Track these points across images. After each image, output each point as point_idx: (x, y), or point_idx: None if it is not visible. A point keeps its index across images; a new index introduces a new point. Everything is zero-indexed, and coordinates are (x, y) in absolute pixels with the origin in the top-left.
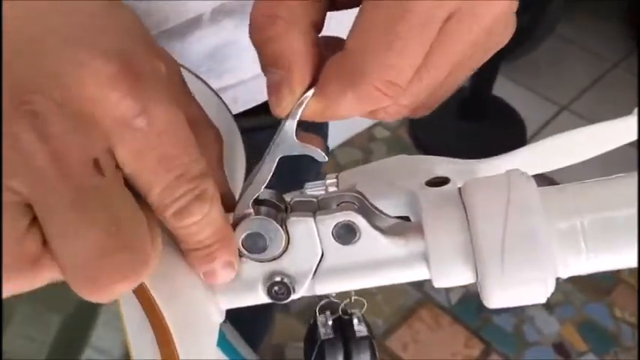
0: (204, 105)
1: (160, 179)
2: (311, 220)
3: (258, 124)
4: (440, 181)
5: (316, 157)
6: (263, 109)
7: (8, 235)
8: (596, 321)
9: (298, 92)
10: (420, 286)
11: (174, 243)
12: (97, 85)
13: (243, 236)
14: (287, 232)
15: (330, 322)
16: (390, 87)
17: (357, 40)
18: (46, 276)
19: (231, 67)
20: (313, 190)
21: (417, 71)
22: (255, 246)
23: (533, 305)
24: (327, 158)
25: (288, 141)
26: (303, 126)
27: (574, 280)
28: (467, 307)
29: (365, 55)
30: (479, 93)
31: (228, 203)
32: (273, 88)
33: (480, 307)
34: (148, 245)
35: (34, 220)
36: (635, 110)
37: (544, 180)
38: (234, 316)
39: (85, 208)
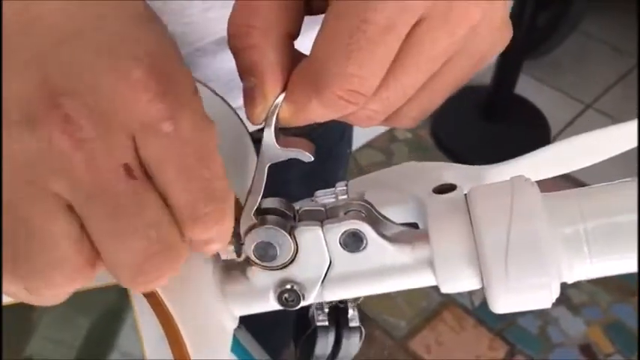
0: (216, 116)
1: (180, 188)
2: (319, 228)
3: (285, 134)
4: (447, 188)
5: (302, 159)
6: None
7: (67, 241)
8: (623, 322)
9: (270, 100)
10: None
11: None
12: (128, 88)
13: (253, 246)
14: (295, 241)
15: (326, 310)
16: (353, 95)
17: (320, 49)
18: (98, 273)
19: None
20: (323, 198)
21: (384, 78)
22: (265, 255)
23: (558, 306)
24: (312, 158)
25: (270, 149)
26: (336, 129)
27: (600, 281)
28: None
29: (327, 63)
30: (501, 92)
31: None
32: (247, 95)
33: None
34: (181, 242)
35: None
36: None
37: (569, 181)
38: (255, 323)
39: (122, 217)
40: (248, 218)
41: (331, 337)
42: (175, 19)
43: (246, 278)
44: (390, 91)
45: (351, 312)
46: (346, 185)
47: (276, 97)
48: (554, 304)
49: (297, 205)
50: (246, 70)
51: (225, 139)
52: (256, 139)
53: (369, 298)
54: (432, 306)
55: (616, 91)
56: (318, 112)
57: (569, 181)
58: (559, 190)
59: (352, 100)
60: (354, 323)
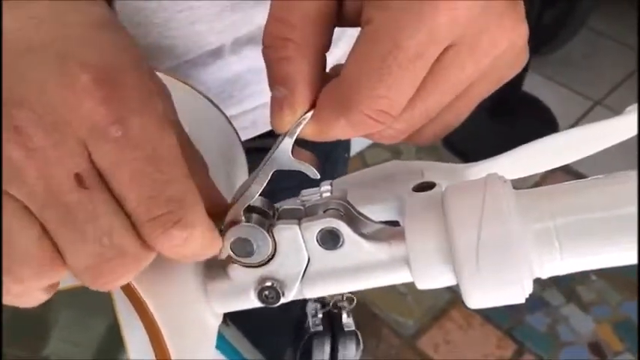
0: (210, 125)
1: (132, 193)
2: (296, 226)
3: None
4: (426, 186)
5: (308, 174)
6: None
7: (30, 238)
8: (633, 320)
9: (299, 113)
10: (451, 286)
11: None
12: (73, 93)
13: (230, 242)
14: (274, 239)
15: (320, 315)
16: (381, 115)
17: (351, 70)
18: (63, 272)
19: (251, 93)
20: (308, 197)
21: (411, 99)
22: (242, 251)
23: (567, 305)
24: (318, 175)
25: (283, 156)
26: None
27: (609, 279)
28: (498, 307)
29: (357, 84)
30: (509, 89)
31: (220, 212)
32: (276, 104)
33: (512, 306)
34: (139, 249)
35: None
36: (634, 107)
37: (570, 173)
38: (252, 327)
39: (74, 224)
40: (236, 214)
41: (327, 343)
42: (160, 31)
43: (227, 276)
44: (415, 111)
45: (345, 317)
46: (331, 185)
47: (305, 112)
48: (563, 302)
49: (277, 204)
50: (277, 81)
51: (218, 148)
52: (249, 148)
53: (376, 298)
54: (440, 304)
55: (624, 87)
56: (345, 131)
57: (570, 173)
58: (558, 183)
59: (380, 120)
60: (350, 328)
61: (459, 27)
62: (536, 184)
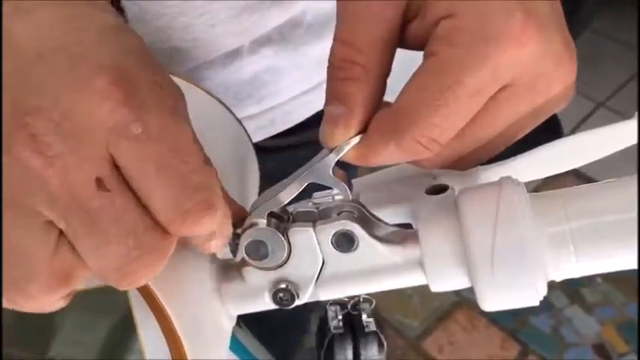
0: (221, 126)
1: (161, 187)
2: (311, 229)
3: (294, 142)
4: (439, 189)
5: (340, 192)
6: (298, 128)
7: (39, 256)
8: (637, 321)
9: (352, 132)
10: None
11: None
12: (92, 97)
13: (246, 243)
14: (289, 241)
15: (340, 316)
16: (431, 143)
17: (408, 98)
18: (82, 278)
19: (269, 92)
20: (320, 199)
21: (461, 130)
22: (256, 253)
23: (571, 306)
24: (350, 196)
25: (324, 171)
26: None
27: (614, 281)
28: None
29: (413, 112)
30: None
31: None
32: (331, 120)
33: (517, 308)
34: (162, 242)
35: (61, 233)
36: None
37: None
38: (264, 327)
39: (99, 229)
40: (259, 217)
41: (349, 346)
42: (181, 35)
43: (241, 278)
44: (464, 142)
45: (365, 317)
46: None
47: (357, 133)
48: (567, 304)
49: (291, 208)
50: (338, 98)
51: (230, 152)
52: (267, 147)
53: (381, 299)
54: (445, 306)
55: (628, 89)
56: (393, 155)
57: (580, 177)
58: (561, 187)
59: (429, 147)
60: (370, 329)
61: (519, 69)
62: (536, 190)
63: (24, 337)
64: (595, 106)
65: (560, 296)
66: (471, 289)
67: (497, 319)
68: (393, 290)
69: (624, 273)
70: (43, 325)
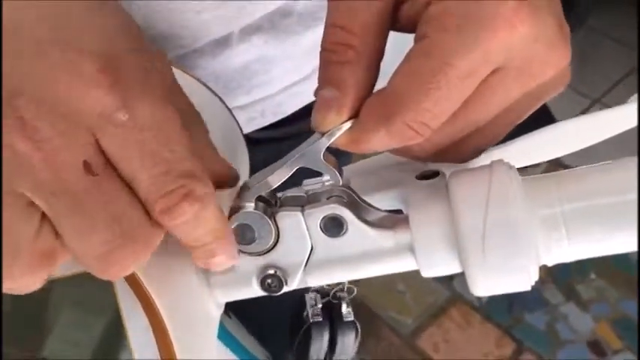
0: (212, 116)
1: (145, 174)
2: (299, 213)
3: (285, 134)
4: (430, 174)
5: (331, 178)
6: (289, 120)
7: (22, 236)
8: (632, 318)
9: (345, 117)
10: (450, 284)
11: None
12: (81, 83)
13: (232, 227)
14: (276, 226)
15: (319, 305)
16: (422, 127)
17: (399, 83)
18: (62, 262)
19: (260, 83)
20: (310, 186)
21: (453, 115)
22: (243, 237)
23: (566, 303)
24: (341, 182)
25: (315, 156)
26: None
27: (608, 277)
28: (497, 305)
29: (403, 97)
30: None
31: (225, 179)
32: (324, 104)
33: (512, 305)
34: (149, 231)
35: (44, 216)
36: (634, 97)
37: (560, 167)
38: (257, 327)
39: (84, 212)
40: (246, 200)
41: (326, 334)
42: (167, 22)
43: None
44: (456, 126)
45: (344, 307)
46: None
47: (349, 118)
48: (562, 301)
49: (280, 194)
50: (331, 82)
51: (220, 140)
52: (258, 139)
53: (374, 296)
54: (439, 303)
55: (623, 86)
56: (383, 141)
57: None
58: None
59: (419, 132)
60: (349, 318)
61: (510, 52)
62: None
63: (17, 335)
64: (590, 102)
65: (555, 293)
66: (465, 285)
67: (492, 315)
68: (385, 287)
69: (619, 268)
70: (37, 323)
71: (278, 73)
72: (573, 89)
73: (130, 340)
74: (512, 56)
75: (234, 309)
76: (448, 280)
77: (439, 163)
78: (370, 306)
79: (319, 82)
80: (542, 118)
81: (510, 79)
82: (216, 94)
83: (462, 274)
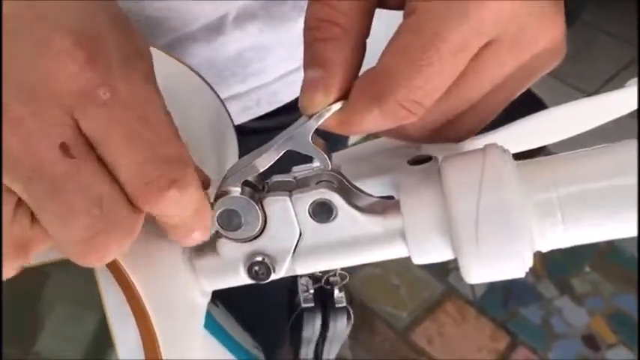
0: (202, 104)
1: (127, 159)
2: (287, 198)
3: (280, 123)
4: (422, 159)
5: (319, 161)
6: (284, 110)
7: None
8: (626, 312)
9: (332, 97)
10: (445, 278)
11: (152, 222)
12: (53, 58)
13: (218, 212)
14: (264, 212)
15: (311, 290)
16: (414, 106)
17: (389, 60)
18: (36, 251)
19: (254, 71)
20: (299, 172)
21: (447, 91)
22: (229, 223)
23: (561, 297)
24: (330, 165)
25: (303, 138)
26: None
27: (603, 271)
28: (492, 299)
29: (395, 74)
30: None
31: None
32: (310, 85)
33: (506, 299)
34: (131, 216)
35: (20, 203)
36: (633, 80)
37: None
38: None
39: (63, 197)
40: (233, 184)
41: (318, 319)
42: (157, 6)
43: (215, 252)
44: (450, 103)
45: (337, 293)
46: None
47: (337, 99)
48: (557, 295)
49: (268, 179)
50: (316, 62)
51: (209, 127)
52: (253, 128)
53: (368, 290)
54: (434, 297)
55: (618, 81)
56: (376, 121)
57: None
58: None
59: (412, 111)
60: (341, 304)
61: (502, 23)
62: None
63: (8, 331)
64: (585, 97)
65: (550, 287)
66: (460, 280)
67: (487, 309)
68: (380, 281)
69: (614, 263)
70: (29, 319)
71: (273, 61)
72: (568, 84)
73: (112, 330)
74: (504, 27)
75: (221, 298)
76: (443, 274)
77: (433, 143)
78: (365, 300)
79: (304, 62)
80: (537, 109)
81: (503, 52)
82: (206, 82)
83: (457, 270)
